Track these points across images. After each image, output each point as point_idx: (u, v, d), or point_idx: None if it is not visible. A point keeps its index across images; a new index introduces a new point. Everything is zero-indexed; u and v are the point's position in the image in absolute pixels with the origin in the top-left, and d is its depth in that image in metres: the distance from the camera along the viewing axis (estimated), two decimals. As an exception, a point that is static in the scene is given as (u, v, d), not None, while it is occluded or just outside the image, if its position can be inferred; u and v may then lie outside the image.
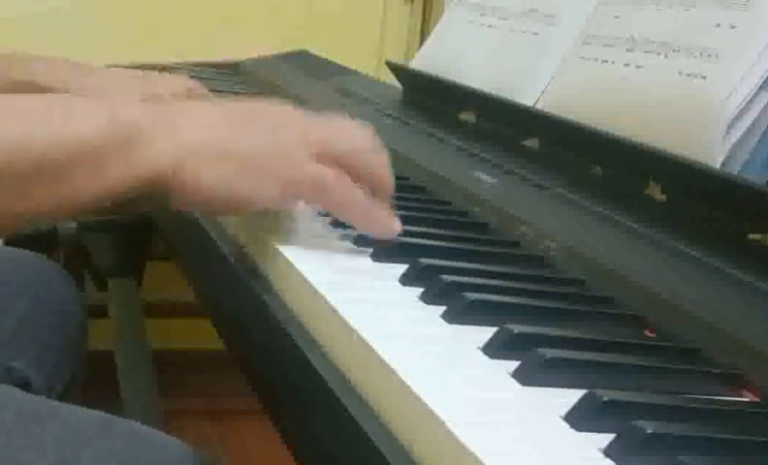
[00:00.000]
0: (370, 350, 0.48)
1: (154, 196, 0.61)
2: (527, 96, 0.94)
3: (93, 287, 1.47)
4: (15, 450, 0.60)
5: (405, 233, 0.65)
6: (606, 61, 0.85)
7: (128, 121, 0.59)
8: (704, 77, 0.74)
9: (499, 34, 1.03)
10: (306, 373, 0.51)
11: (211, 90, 1.08)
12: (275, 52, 1.52)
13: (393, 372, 0.45)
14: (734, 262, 0.60)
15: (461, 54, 1.09)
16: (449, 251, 0.64)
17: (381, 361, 0.46)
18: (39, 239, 1.38)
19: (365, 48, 1.98)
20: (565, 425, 0.43)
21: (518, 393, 0.46)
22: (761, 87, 0.70)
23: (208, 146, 0.60)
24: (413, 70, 1.16)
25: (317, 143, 0.62)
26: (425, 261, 0.60)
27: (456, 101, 1.04)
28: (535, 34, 0.98)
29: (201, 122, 0.62)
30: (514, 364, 0.48)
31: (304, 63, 1.47)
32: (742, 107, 0.70)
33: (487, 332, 0.51)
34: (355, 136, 0.64)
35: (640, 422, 0.42)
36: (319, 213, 0.70)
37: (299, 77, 1.35)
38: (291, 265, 0.59)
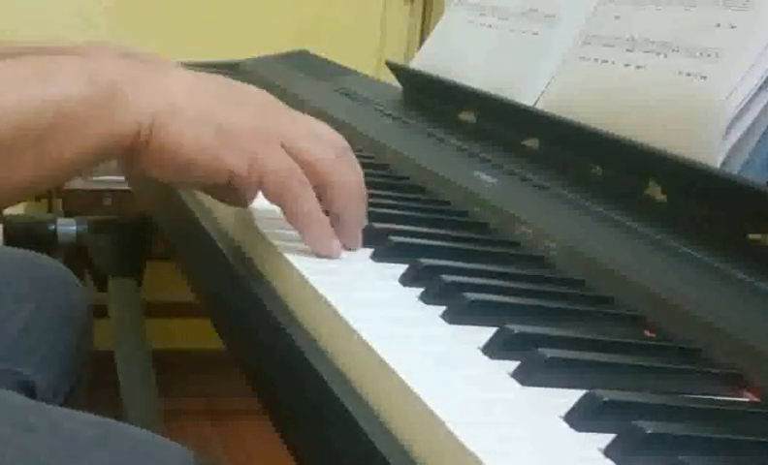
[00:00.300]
0: (370, 350, 0.48)
1: (132, 160, 0.60)
2: (527, 96, 0.94)
3: (93, 287, 1.47)
4: (8, 463, 0.59)
5: (405, 233, 0.65)
6: (606, 61, 0.85)
7: (109, 80, 0.58)
8: (704, 77, 0.74)
9: (499, 34, 1.03)
10: (307, 373, 0.51)
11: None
12: (275, 52, 1.52)
13: (393, 372, 0.45)
14: (734, 262, 0.60)
15: (461, 54, 1.09)
16: (449, 251, 0.64)
17: (381, 361, 0.46)
18: (39, 239, 1.39)
19: (365, 48, 1.99)
20: (565, 425, 0.43)
21: (518, 393, 0.46)
22: (761, 87, 0.70)
23: (192, 109, 0.59)
24: (413, 70, 1.16)
25: (291, 142, 0.60)
26: (425, 261, 0.60)
27: (456, 101, 1.04)
28: (535, 34, 0.98)
29: (186, 85, 0.61)
30: (514, 364, 0.48)
31: (303, 63, 1.47)
32: (742, 107, 0.70)
33: (487, 332, 0.51)
34: (327, 150, 0.62)
35: (640, 422, 0.42)
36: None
37: (299, 77, 1.35)
38: (291, 266, 0.59)
